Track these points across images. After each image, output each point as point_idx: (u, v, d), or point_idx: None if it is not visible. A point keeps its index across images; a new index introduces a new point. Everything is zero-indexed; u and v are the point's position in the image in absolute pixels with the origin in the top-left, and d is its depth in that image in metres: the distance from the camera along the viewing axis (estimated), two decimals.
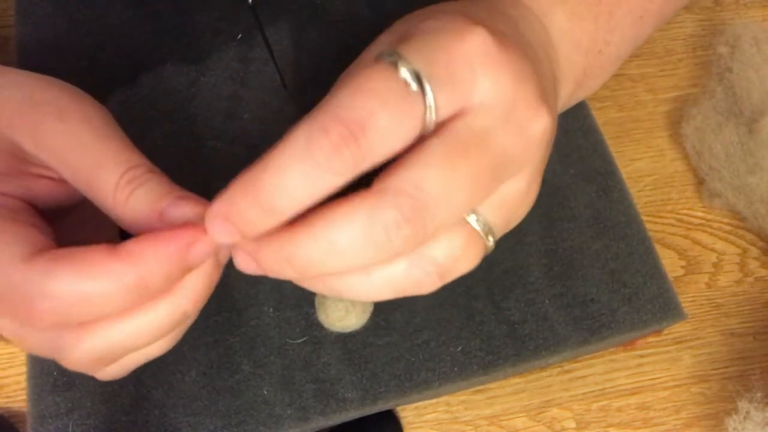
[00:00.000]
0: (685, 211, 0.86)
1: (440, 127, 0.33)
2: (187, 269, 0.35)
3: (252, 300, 0.62)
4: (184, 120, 0.67)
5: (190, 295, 0.37)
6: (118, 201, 0.35)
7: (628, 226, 0.65)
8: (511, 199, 0.37)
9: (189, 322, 0.41)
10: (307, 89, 0.68)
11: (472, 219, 0.36)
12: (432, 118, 0.32)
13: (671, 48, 0.95)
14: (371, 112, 0.30)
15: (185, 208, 0.36)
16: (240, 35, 0.70)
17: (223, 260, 0.39)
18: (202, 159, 0.65)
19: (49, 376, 0.59)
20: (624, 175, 0.69)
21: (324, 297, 0.58)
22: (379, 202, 0.33)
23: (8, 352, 0.73)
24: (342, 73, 0.41)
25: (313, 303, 0.61)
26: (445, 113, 0.33)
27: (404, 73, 0.31)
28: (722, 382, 0.80)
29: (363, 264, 0.34)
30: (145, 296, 0.34)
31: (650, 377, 0.79)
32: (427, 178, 0.32)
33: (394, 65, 0.31)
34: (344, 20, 0.72)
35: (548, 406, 0.76)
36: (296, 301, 0.62)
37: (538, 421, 0.75)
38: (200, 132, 0.66)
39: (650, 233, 0.67)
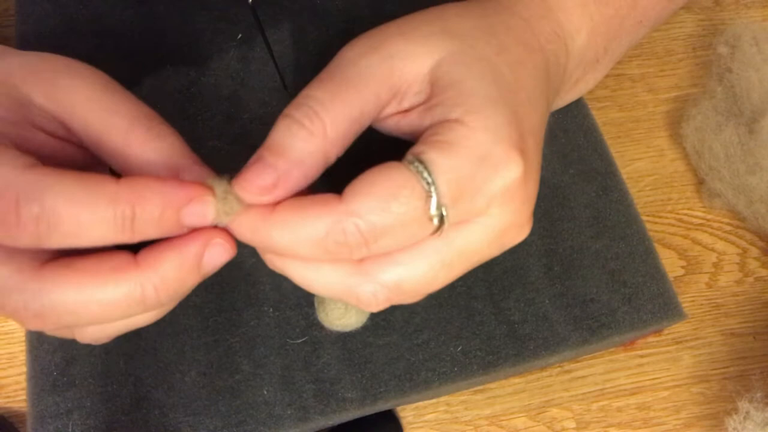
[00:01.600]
0: (685, 211, 0.86)
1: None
2: (182, 226, 0.35)
3: (252, 300, 0.62)
4: (183, 120, 0.66)
5: (159, 283, 0.35)
6: (133, 146, 0.36)
7: (628, 226, 0.65)
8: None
9: (164, 308, 0.40)
10: None
11: None
12: (440, 234, 0.36)
13: (671, 48, 0.95)
14: (390, 231, 0.34)
15: (203, 172, 0.38)
16: (240, 35, 0.70)
17: (208, 266, 0.37)
18: (202, 159, 0.65)
19: (49, 376, 0.59)
20: (624, 175, 0.69)
21: (323, 297, 0.58)
22: (361, 276, 0.38)
23: (8, 352, 0.73)
24: None
25: (312, 303, 0.61)
26: (449, 226, 0.36)
27: (434, 210, 0.34)
28: (722, 382, 0.80)
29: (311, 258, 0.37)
30: (128, 236, 0.33)
31: (650, 377, 0.79)
32: (408, 280, 0.38)
33: (428, 195, 0.34)
34: (344, 20, 0.72)
35: (548, 406, 0.76)
36: (296, 300, 0.62)
37: (538, 421, 0.75)
38: (200, 132, 0.66)
39: (650, 233, 0.67)
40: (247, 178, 0.36)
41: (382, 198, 0.34)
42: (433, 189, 0.34)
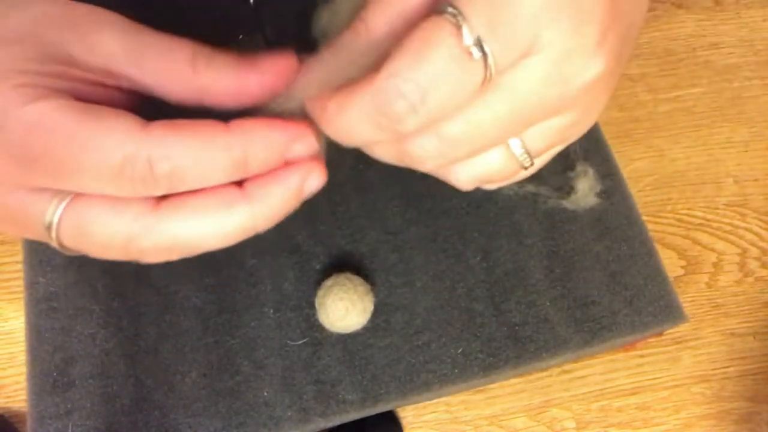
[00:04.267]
0: (685, 211, 0.86)
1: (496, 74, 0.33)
2: (283, 160, 0.36)
3: (252, 301, 0.62)
4: None
5: (268, 213, 0.37)
6: (200, 70, 0.36)
7: (630, 228, 0.65)
8: (552, 131, 0.38)
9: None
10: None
11: (513, 143, 0.38)
12: (490, 76, 0.32)
13: (671, 48, 0.95)
14: (433, 84, 0.32)
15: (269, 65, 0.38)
16: (241, 36, 0.70)
17: (306, 192, 0.39)
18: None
19: (49, 377, 0.59)
20: (624, 175, 0.69)
21: (324, 298, 0.58)
22: (415, 137, 0.35)
23: (8, 352, 0.73)
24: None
25: (313, 304, 0.61)
26: (503, 66, 0.33)
27: (468, 39, 0.31)
28: (722, 382, 0.80)
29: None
30: (242, 175, 0.35)
31: (650, 377, 0.79)
32: (459, 131, 0.34)
33: (457, 27, 0.31)
34: None
35: (548, 406, 0.76)
36: (297, 302, 0.62)
37: (538, 421, 0.75)
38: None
39: (650, 233, 0.67)
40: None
41: (415, 50, 0.32)
42: (460, 18, 0.32)
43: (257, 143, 0.34)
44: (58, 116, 0.33)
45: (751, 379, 0.82)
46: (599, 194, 0.67)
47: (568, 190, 0.65)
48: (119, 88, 0.38)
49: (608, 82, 0.38)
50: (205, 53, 0.37)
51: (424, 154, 0.36)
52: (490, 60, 0.32)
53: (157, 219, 0.35)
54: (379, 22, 0.36)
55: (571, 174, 0.66)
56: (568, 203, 0.64)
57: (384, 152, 0.38)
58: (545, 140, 0.38)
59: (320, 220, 0.64)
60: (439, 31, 0.31)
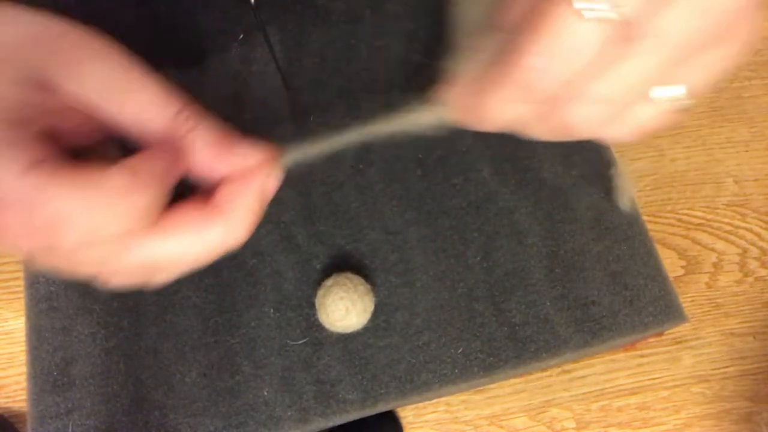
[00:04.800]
0: (685, 211, 0.86)
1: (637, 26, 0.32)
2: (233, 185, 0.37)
3: (252, 301, 0.62)
4: None
5: (244, 222, 0.37)
6: (180, 133, 0.35)
7: (630, 228, 0.65)
8: (708, 65, 0.36)
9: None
10: (308, 90, 0.68)
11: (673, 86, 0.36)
12: (631, 33, 0.31)
13: None
14: (574, 54, 0.31)
15: (247, 150, 0.38)
16: (241, 35, 0.70)
17: (270, 193, 0.39)
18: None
19: (49, 377, 0.59)
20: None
21: (324, 298, 0.58)
22: (569, 106, 0.34)
23: (8, 352, 0.73)
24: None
25: (313, 304, 0.61)
26: (645, 17, 0.31)
27: (603, 5, 0.30)
28: (722, 382, 0.80)
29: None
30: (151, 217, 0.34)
31: (650, 377, 0.79)
32: (623, 85, 0.33)
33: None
34: (346, 21, 0.72)
35: (548, 406, 0.76)
36: (297, 302, 0.62)
37: (538, 421, 0.75)
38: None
39: (650, 233, 0.67)
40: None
41: (548, 23, 0.31)
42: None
43: (151, 183, 0.33)
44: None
45: (751, 379, 0.82)
46: (599, 194, 0.67)
47: (611, 188, 0.65)
48: (95, 123, 0.37)
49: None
50: (188, 114, 0.36)
51: (584, 121, 0.35)
52: (627, 14, 0.30)
53: (125, 244, 0.34)
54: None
55: (612, 172, 0.66)
56: (618, 203, 0.65)
57: (542, 129, 0.38)
58: (703, 75, 0.36)
59: (320, 220, 0.64)
60: (561, 8, 0.30)
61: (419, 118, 0.40)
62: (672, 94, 0.37)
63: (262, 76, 0.69)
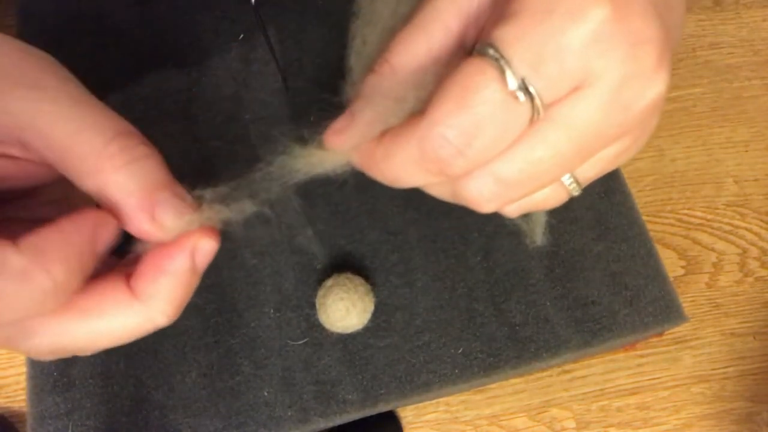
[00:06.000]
0: (685, 211, 0.86)
1: (545, 109, 0.32)
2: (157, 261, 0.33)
3: (252, 301, 0.62)
4: (185, 120, 0.66)
5: (165, 308, 0.34)
6: (105, 169, 0.32)
7: (630, 228, 0.65)
8: (605, 159, 0.37)
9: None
10: (308, 90, 0.68)
11: (563, 177, 0.37)
12: (539, 115, 0.32)
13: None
14: (479, 128, 0.31)
15: (180, 211, 0.34)
16: (242, 35, 0.70)
17: (200, 267, 0.35)
18: (204, 159, 0.65)
19: (49, 377, 0.59)
20: (624, 175, 0.69)
21: (325, 298, 0.58)
22: (469, 179, 0.34)
23: (8, 353, 0.73)
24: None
25: (313, 304, 0.61)
26: (553, 101, 0.32)
27: (512, 84, 0.30)
28: (722, 382, 0.80)
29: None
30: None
31: (650, 377, 0.79)
32: (513, 171, 0.33)
33: (500, 71, 0.30)
34: (346, 21, 0.72)
35: (548, 406, 0.76)
36: (297, 302, 0.62)
37: (538, 421, 0.75)
38: (201, 132, 0.66)
39: (650, 233, 0.67)
40: (329, 126, 0.36)
41: (457, 96, 0.31)
42: (503, 62, 0.30)
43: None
44: None
45: (751, 379, 0.82)
46: (599, 194, 0.67)
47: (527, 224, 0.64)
48: (34, 161, 0.34)
49: (663, 102, 0.36)
50: (122, 145, 0.32)
51: (480, 197, 0.34)
52: (537, 100, 0.31)
53: (39, 323, 0.32)
54: (403, 61, 0.35)
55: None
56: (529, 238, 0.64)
57: (441, 193, 0.37)
58: (598, 168, 0.37)
59: (320, 220, 0.64)
60: (480, 75, 0.31)
61: (322, 161, 0.37)
62: (568, 182, 0.37)
63: (262, 76, 0.69)
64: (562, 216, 0.66)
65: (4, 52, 0.33)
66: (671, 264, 0.84)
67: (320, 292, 0.59)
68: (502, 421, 0.75)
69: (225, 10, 0.71)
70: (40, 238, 0.29)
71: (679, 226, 0.86)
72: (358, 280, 0.59)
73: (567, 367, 0.77)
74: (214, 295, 0.62)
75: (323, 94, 0.40)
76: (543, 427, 0.75)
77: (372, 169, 0.36)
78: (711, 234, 0.86)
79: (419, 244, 0.64)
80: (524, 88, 0.30)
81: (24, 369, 0.61)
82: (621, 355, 0.79)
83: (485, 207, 0.35)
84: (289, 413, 0.59)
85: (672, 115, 0.90)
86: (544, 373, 0.76)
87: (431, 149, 0.31)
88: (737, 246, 0.86)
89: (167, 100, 0.67)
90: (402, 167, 0.34)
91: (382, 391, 0.59)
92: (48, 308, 0.30)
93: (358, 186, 0.65)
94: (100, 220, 0.32)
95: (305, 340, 0.61)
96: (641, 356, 0.79)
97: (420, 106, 0.34)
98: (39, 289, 0.29)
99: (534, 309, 0.62)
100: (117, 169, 0.32)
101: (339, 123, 0.36)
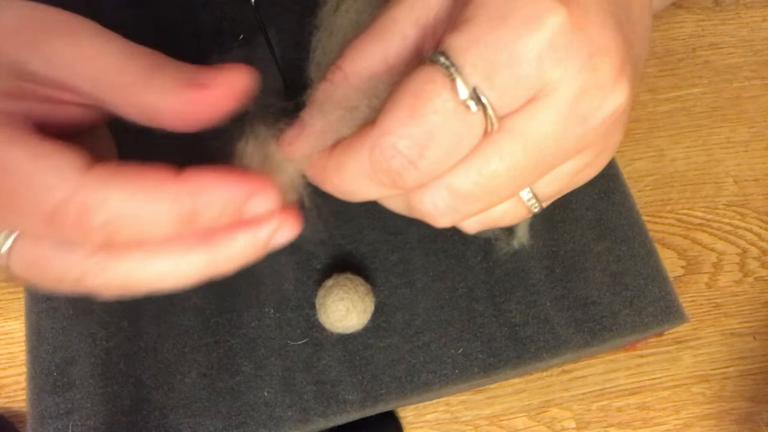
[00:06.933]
0: (685, 211, 0.86)
1: (500, 120, 0.31)
2: (239, 218, 0.34)
3: (253, 301, 0.62)
4: None
5: (229, 257, 0.35)
6: (145, 85, 0.33)
7: (630, 228, 0.65)
8: (566, 174, 0.36)
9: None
10: (308, 90, 0.68)
11: (523, 191, 0.36)
12: (493, 126, 0.31)
13: (671, 48, 0.95)
14: (430, 139, 0.30)
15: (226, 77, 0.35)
16: (242, 35, 0.70)
17: (274, 245, 0.36)
18: (204, 159, 0.65)
19: (49, 377, 0.59)
20: (624, 175, 0.69)
21: (325, 298, 0.58)
22: (424, 192, 0.33)
23: (8, 352, 0.73)
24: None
25: (313, 304, 0.61)
26: (508, 111, 0.31)
27: (463, 93, 0.30)
28: (722, 382, 0.80)
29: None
30: (192, 229, 0.32)
31: (650, 377, 0.79)
32: (468, 185, 0.32)
33: (450, 79, 0.30)
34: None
35: (548, 406, 0.76)
36: (297, 302, 0.62)
37: (538, 421, 0.75)
38: (201, 132, 0.66)
39: (650, 233, 0.67)
40: (281, 136, 0.37)
41: (408, 105, 0.30)
42: (453, 71, 0.30)
43: (209, 198, 0.32)
44: (2, 152, 0.30)
45: (751, 379, 0.82)
46: (599, 194, 0.66)
47: (509, 231, 0.64)
48: (81, 105, 0.35)
49: (625, 116, 0.36)
50: (160, 66, 0.34)
51: (435, 210, 0.34)
52: (490, 111, 0.30)
53: (110, 258, 0.33)
54: (357, 68, 0.35)
55: None
56: (515, 244, 0.63)
57: (397, 206, 0.37)
58: (557, 185, 0.36)
59: (320, 220, 0.64)
60: (431, 84, 0.30)
61: (280, 167, 0.37)
62: (527, 197, 0.36)
63: (262, 76, 0.69)
64: (561, 216, 0.66)
65: (33, 9, 0.34)
66: (671, 264, 0.84)
67: (320, 292, 0.59)
68: (502, 421, 0.75)
69: (225, 10, 0.71)
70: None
71: (679, 226, 0.86)
72: (358, 281, 0.59)
73: (567, 367, 0.77)
74: (213, 295, 0.62)
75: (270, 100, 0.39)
76: (543, 427, 0.75)
77: (324, 182, 0.35)
78: (711, 234, 0.86)
79: (419, 244, 0.64)
80: (476, 98, 0.30)
81: (24, 369, 0.61)
82: (621, 355, 0.79)
83: (440, 221, 0.35)
84: (289, 413, 0.59)
85: (672, 115, 0.90)
86: (544, 373, 0.76)
87: (383, 160, 0.31)
88: (737, 246, 0.86)
89: None
90: (354, 180, 0.33)
91: (382, 391, 0.60)
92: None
93: None
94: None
95: (305, 340, 0.61)
96: (641, 356, 0.79)
97: (373, 116, 0.33)
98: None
99: (534, 309, 0.62)
100: (156, 85, 0.33)
101: (290, 132, 0.36)
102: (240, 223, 0.34)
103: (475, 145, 0.31)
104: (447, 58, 0.30)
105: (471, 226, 0.38)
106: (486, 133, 0.31)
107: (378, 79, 0.35)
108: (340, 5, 0.44)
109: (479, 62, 0.30)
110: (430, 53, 0.31)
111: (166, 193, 0.31)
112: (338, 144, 0.34)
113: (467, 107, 0.30)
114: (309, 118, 0.36)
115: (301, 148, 0.36)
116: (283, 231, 0.35)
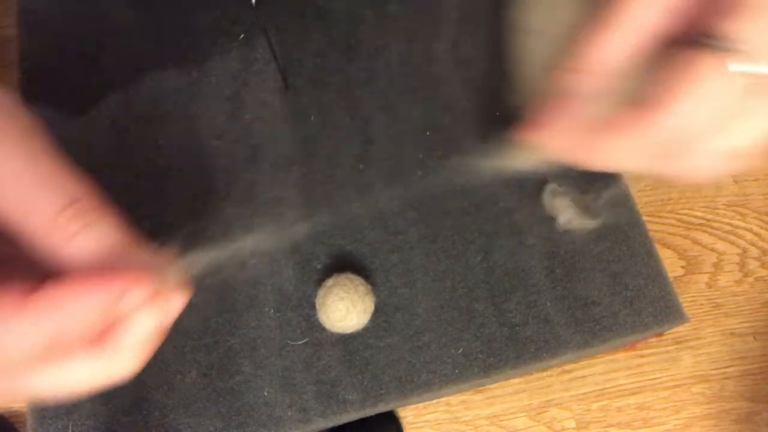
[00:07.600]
0: (685, 211, 0.86)
1: None
2: (122, 315, 0.32)
3: (253, 301, 0.62)
4: (185, 120, 0.66)
5: (127, 352, 0.33)
6: (57, 238, 0.30)
7: (630, 228, 0.65)
8: None
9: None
10: (308, 90, 0.68)
11: None
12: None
13: None
14: (709, 114, 0.32)
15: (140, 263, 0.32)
16: (242, 35, 0.70)
17: (168, 321, 0.35)
18: (204, 159, 0.65)
19: None
20: (624, 175, 0.69)
21: (325, 298, 0.58)
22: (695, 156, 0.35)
23: None
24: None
25: (313, 304, 0.61)
26: None
27: (743, 72, 0.31)
28: (722, 382, 0.80)
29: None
30: (66, 346, 0.30)
31: (650, 377, 0.79)
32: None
33: (729, 61, 0.31)
34: (346, 21, 0.72)
35: (548, 406, 0.76)
36: (297, 302, 0.62)
37: (538, 421, 0.75)
38: (202, 132, 0.66)
39: (650, 233, 0.67)
40: (526, 125, 0.39)
41: (688, 88, 0.32)
42: (732, 53, 0.32)
43: (76, 309, 0.29)
44: None
45: (751, 379, 0.82)
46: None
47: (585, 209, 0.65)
48: None
49: None
50: (79, 209, 0.30)
51: (695, 170, 0.36)
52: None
53: None
54: (607, 54, 0.36)
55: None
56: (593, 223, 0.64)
57: (650, 168, 0.38)
58: None
59: (320, 220, 0.64)
60: (708, 67, 0.31)
61: (510, 161, 0.41)
62: None
63: (262, 76, 0.69)
64: None
65: None
66: (671, 264, 0.84)
67: (320, 292, 0.59)
68: (502, 421, 0.75)
69: (225, 10, 0.71)
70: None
71: (679, 226, 0.86)
72: (358, 280, 0.59)
73: (567, 367, 0.77)
74: (213, 295, 0.62)
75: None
76: (543, 427, 0.75)
77: (584, 157, 0.37)
78: (711, 234, 0.86)
79: (419, 244, 0.64)
80: (754, 76, 0.31)
81: None
82: (621, 355, 0.79)
83: (704, 177, 0.37)
84: (289, 413, 0.59)
85: None
86: (544, 373, 0.76)
87: (662, 136, 0.33)
88: (737, 246, 0.86)
89: (168, 100, 0.67)
90: (626, 153, 0.35)
91: (382, 391, 0.59)
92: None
93: (357, 186, 0.65)
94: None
95: (305, 340, 0.61)
96: (641, 356, 0.79)
97: (626, 98, 0.36)
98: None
99: (534, 309, 0.62)
100: (71, 236, 0.30)
101: (543, 119, 0.38)
102: (126, 318, 0.32)
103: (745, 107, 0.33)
104: (724, 42, 0.32)
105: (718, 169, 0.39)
106: (755, 95, 0.33)
107: (629, 63, 0.36)
108: (533, 6, 0.46)
109: (755, 45, 0.31)
110: (684, 35, 0.33)
111: (25, 319, 0.28)
112: (601, 123, 0.36)
113: (743, 87, 0.32)
114: (562, 105, 0.38)
115: (557, 132, 0.38)
116: (171, 305, 0.35)
